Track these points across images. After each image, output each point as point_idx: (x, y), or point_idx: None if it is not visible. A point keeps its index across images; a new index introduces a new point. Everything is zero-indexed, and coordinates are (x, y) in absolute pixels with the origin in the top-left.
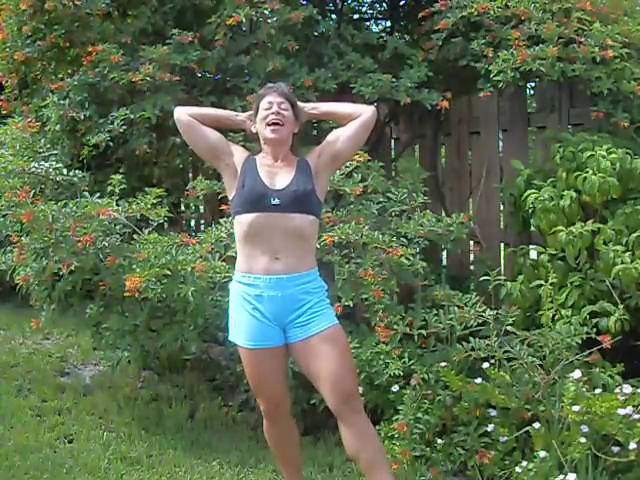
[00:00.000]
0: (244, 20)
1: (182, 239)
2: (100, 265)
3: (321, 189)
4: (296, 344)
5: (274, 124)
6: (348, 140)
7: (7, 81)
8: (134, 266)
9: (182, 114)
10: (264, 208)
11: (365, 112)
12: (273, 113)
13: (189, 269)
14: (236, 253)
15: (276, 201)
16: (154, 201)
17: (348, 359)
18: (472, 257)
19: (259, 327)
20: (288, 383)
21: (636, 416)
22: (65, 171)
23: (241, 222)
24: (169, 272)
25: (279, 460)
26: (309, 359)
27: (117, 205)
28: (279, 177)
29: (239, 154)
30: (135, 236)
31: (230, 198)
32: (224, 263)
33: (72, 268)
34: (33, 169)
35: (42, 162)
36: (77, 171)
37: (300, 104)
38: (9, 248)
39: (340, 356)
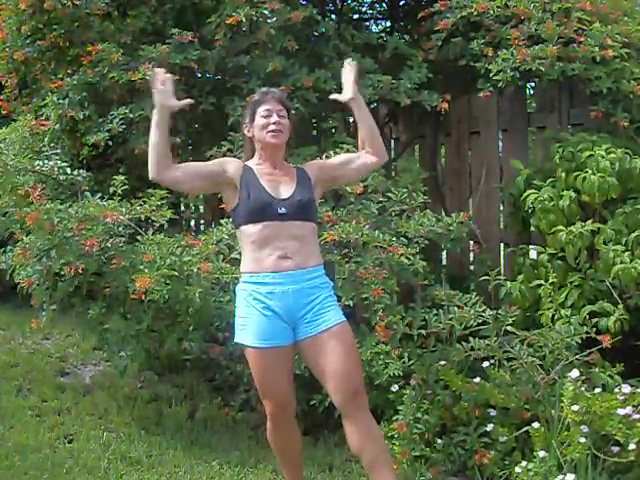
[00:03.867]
0: (244, 20)
1: (187, 240)
2: (103, 267)
3: (317, 198)
4: (305, 341)
5: (275, 130)
6: (351, 171)
7: (7, 81)
8: (142, 267)
9: (161, 177)
10: (270, 217)
11: (379, 157)
12: (274, 123)
13: (195, 270)
14: (239, 255)
15: (282, 210)
16: (158, 203)
17: (355, 356)
18: (472, 257)
19: (270, 325)
20: (292, 384)
21: (636, 416)
22: (69, 170)
23: (247, 232)
24: (176, 273)
25: (280, 461)
26: (317, 355)
27: (120, 207)
28: (282, 186)
29: (233, 167)
30: (138, 237)
31: (231, 208)
32: (228, 265)
33: (78, 270)
34: (38, 167)
35: (46, 161)
36: (80, 170)
37: (348, 84)
38: (9, 248)
39: (347, 353)
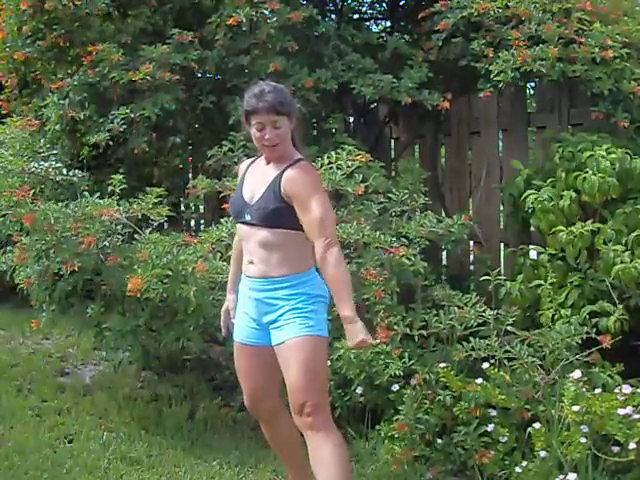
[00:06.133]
0: (244, 20)
1: (184, 239)
2: (101, 265)
3: (295, 206)
4: (274, 349)
5: (268, 146)
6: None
7: (7, 81)
8: (135, 267)
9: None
10: (242, 222)
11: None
12: (267, 140)
13: (190, 269)
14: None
15: (248, 217)
16: (155, 201)
17: (308, 370)
18: (472, 257)
19: (242, 323)
20: (272, 385)
21: (636, 416)
22: (65, 171)
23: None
24: (170, 272)
25: (280, 459)
26: (281, 367)
27: (118, 205)
28: (259, 190)
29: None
30: (136, 236)
31: None
32: (225, 263)
33: (74, 269)
34: (33, 169)
35: (42, 162)
36: (77, 171)
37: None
38: (9, 248)
39: (299, 366)
